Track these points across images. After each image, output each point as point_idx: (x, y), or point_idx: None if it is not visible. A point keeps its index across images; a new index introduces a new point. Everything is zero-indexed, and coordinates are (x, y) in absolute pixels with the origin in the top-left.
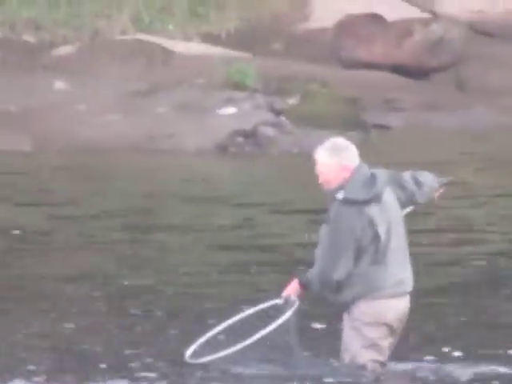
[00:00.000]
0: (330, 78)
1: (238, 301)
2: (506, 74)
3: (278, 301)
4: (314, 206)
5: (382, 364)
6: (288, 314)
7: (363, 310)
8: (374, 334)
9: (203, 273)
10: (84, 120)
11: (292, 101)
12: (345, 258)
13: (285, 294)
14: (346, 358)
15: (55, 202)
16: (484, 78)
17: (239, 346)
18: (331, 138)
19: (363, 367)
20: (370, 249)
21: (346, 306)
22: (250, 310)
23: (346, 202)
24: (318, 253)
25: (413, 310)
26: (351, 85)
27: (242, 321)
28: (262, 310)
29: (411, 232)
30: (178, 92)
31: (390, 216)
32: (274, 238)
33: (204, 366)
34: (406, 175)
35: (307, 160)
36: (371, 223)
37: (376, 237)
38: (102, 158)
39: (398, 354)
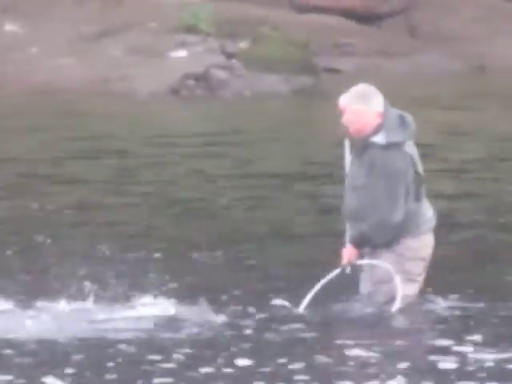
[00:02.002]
0: (281, 21)
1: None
2: (457, 20)
3: (343, 269)
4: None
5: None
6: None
7: (408, 245)
8: (414, 269)
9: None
10: (36, 63)
11: (243, 44)
12: (400, 200)
13: (345, 260)
14: (385, 288)
15: None
16: (435, 23)
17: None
18: (355, 86)
19: (402, 300)
20: (413, 187)
21: (385, 244)
22: (322, 282)
23: (389, 145)
24: (357, 203)
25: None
26: (302, 29)
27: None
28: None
29: None
30: (131, 35)
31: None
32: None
33: None
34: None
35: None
36: (412, 161)
37: (417, 174)
38: (55, 100)
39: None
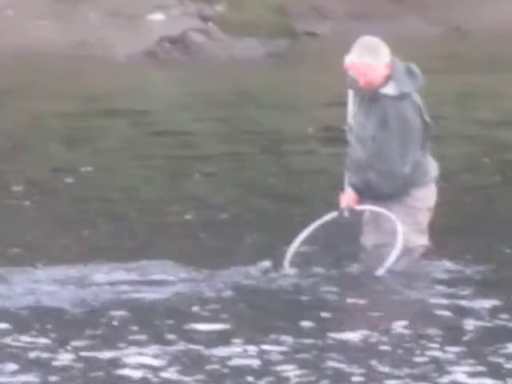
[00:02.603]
0: None
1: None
2: None
3: (341, 212)
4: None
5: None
6: (400, 240)
7: (416, 196)
8: (424, 219)
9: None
10: (12, 26)
11: (220, 7)
12: (412, 150)
13: (344, 204)
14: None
15: None
16: None
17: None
18: (362, 39)
19: (415, 250)
20: (422, 136)
21: (393, 196)
22: (317, 223)
23: (401, 96)
24: (364, 154)
25: None
26: None
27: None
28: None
29: None
30: None
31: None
32: None
33: None
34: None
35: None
36: (421, 111)
37: (425, 124)
38: (31, 63)
39: None
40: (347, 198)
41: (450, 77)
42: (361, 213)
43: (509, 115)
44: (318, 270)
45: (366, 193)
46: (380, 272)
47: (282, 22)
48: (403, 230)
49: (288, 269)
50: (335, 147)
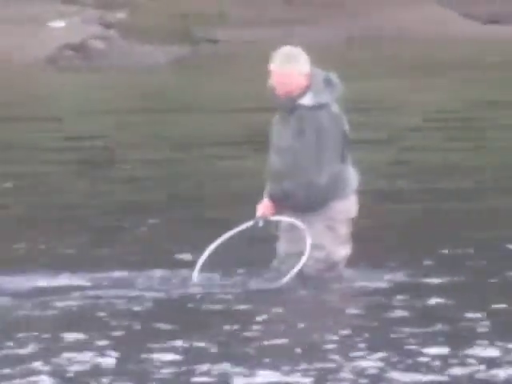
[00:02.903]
0: None
1: None
2: None
3: (256, 222)
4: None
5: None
6: (308, 247)
7: (337, 208)
8: (345, 230)
9: None
10: None
11: (121, 14)
12: (329, 161)
13: (260, 214)
14: (321, 255)
15: None
16: None
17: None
18: (283, 49)
19: (339, 263)
20: (340, 147)
21: (313, 208)
22: (231, 232)
23: (318, 106)
24: (281, 165)
25: None
26: None
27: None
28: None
29: None
30: (9, 4)
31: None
32: None
33: None
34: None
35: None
36: (339, 122)
37: (343, 135)
38: None
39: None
40: (263, 207)
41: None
42: (276, 223)
43: (417, 121)
44: (228, 277)
45: (284, 203)
46: (284, 281)
47: (184, 28)
48: (324, 243)
49: (196, 277)
50: (238, 151)
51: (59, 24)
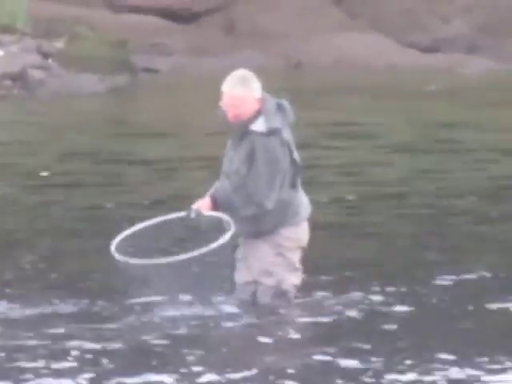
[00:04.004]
0: (97, 21)
1: None
2: (274, 18)
3: (188, 213)
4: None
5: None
6: (227, 236)
7: (287, 235)
8: (295, 257)
9: None
10: None
11: (59, 44)
12: (278, 187)
13: (195, 207)
14: (270, 282)
15: None
16: (253, 21)
17: (171, 260)
18: (235, 72)
19: (289, 291)
20: (289, 174)
21: (262, 234)
22: (160, 218)
23: (269, 132)
24: (236, 181)
25: None
26: (119, 28)
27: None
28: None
29: None
30: None
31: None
32: None
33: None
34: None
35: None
36: (289, 148)
37: (292, 162)
38: None
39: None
40: (201, 202)
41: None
42: (207, 218)
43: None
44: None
45: (224, 206)
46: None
47: (122, 57)
48: (274, 269)
49: (117, 255)
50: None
51: None
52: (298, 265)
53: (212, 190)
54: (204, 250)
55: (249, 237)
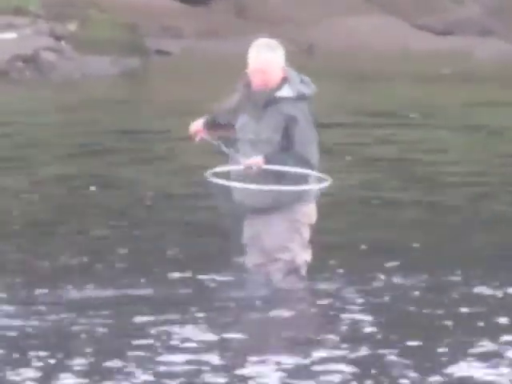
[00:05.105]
0: (109, 3)
1: None
2: (285, 1)
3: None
4: None
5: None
6: (326, 184)
7: (303, 211)
8: (307, 234)
9: None
10: None
11: (72, 26)
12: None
13: (249, 161)
14: (286, 257)
15: None
16: (264, 4)
17: (256, 187)
18: (261, 39)
19: (301, 267)
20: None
21: (279, 208)
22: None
23: (298, 97)
24: (268, 149)
25: None
26: (131, 11)
27: None
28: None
29: None
30: None
31: None
32: None
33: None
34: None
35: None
36: (313, 117)
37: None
38: None
39: None
40: (196, 124)
41: None
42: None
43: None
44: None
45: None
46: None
47: (134, 40)
48: (291, 245)
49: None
50: None
51: (10, 36)
52: (308, 243)
53: (209, 118)
54: (299, 188)
55: (262, 214)
